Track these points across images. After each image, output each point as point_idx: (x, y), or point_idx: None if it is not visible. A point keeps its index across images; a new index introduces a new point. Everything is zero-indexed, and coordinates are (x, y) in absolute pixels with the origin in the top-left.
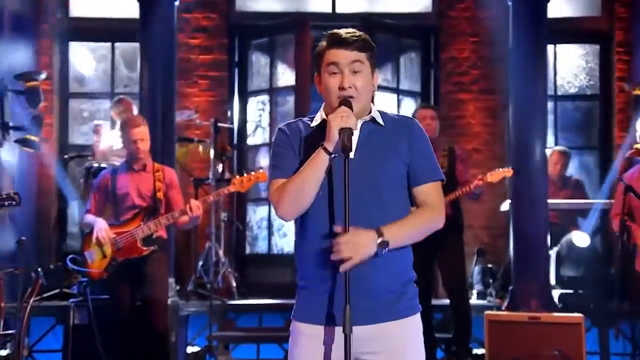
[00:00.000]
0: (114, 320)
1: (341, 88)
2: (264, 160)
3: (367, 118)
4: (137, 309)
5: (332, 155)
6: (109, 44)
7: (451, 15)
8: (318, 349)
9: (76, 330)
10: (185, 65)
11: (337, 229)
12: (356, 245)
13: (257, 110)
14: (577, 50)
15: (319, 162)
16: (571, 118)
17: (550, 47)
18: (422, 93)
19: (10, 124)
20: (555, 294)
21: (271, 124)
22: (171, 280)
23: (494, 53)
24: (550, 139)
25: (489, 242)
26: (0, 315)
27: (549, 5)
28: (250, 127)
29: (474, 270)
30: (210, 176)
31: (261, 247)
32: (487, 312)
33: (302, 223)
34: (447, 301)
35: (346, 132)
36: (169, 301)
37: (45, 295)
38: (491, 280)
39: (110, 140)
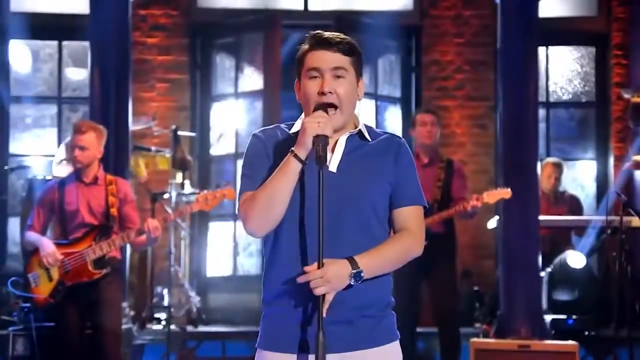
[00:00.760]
0: (60, 350)
1: (320, 93)
2: (229, 172)
3: (354, 131)
4: (86, 337)
5: (305, 163)
6: (55, 43)
7: (434, 14)
8: None
9: None
10: (142, 67)
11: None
12: (329, 279)
13: (222, 116)
14: (572, 53)
15: (289, 171)
16: (565, 127)
17: (542, 50)
18: (402, 99)
19: None
20: (548, 319)
21: (237, 132)
22: (125, 305)
23: (481, 56)
24: (542, 149)
25: (475, 262)
26: None
27: (541, 3)
28: (214, 135)
29: (459, 294)
30: (170, 190)
31: (225, 268)
32: (473, 339)
33: (273, 241)
34: (430, 329)
35: (321, 141)
36: (123, 328)
37: None
38: (478, 305)
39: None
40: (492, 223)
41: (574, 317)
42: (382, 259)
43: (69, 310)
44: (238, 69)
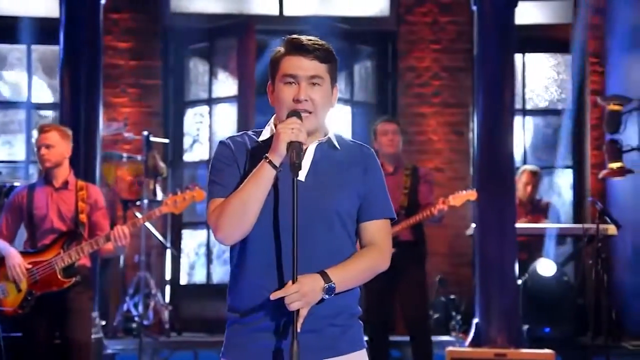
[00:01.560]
0: None
1: (296, 100)
2: (202, 178)
3: (324, 139)
4: (55, 347)
5: (278, 170)
6: (24, 47)
7: (410, 21)
8: None
9: None
10: (113, 71)
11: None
12: (304, 294)
13: (195, 122)
14: (548, 60)
15: (263, 178)
16: (541, 134)
17: (518, 56)
18: (378, 105)
19: None
20: (524, 328)
21: (210, 139)
22: (95, 314)
23: (458, 62)
24: (519, 157)
25: (452, 270)
26: None
27: (517, 10)
28: (187, 141)
29: (435, 302)
30: (142, 197)
31: (198, 276)
32: (448, 348)
33: (242, 249)
34: (405, 337)
35: (295, 148)
36: (93, 338)
37: None
38: (453, 313)
39: None
40: (469, 230)
41: (551, 325)
42: (353, 273)
43: (37, 320)
44: (212, 74)
